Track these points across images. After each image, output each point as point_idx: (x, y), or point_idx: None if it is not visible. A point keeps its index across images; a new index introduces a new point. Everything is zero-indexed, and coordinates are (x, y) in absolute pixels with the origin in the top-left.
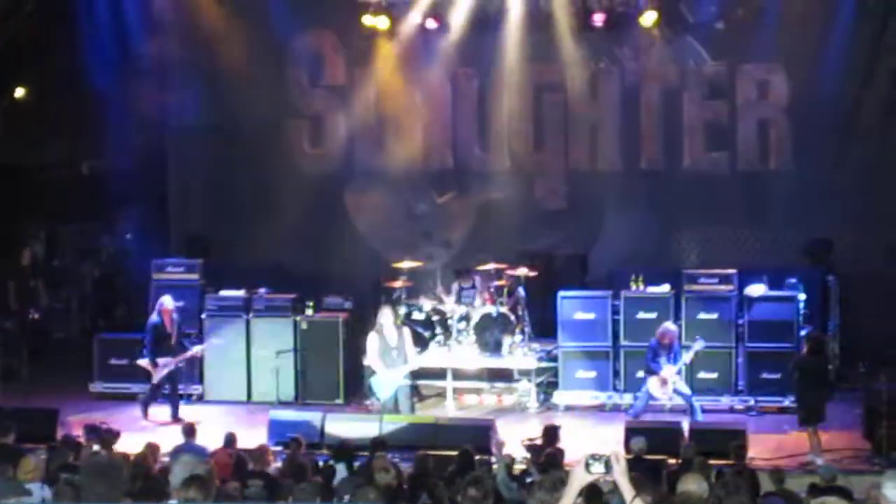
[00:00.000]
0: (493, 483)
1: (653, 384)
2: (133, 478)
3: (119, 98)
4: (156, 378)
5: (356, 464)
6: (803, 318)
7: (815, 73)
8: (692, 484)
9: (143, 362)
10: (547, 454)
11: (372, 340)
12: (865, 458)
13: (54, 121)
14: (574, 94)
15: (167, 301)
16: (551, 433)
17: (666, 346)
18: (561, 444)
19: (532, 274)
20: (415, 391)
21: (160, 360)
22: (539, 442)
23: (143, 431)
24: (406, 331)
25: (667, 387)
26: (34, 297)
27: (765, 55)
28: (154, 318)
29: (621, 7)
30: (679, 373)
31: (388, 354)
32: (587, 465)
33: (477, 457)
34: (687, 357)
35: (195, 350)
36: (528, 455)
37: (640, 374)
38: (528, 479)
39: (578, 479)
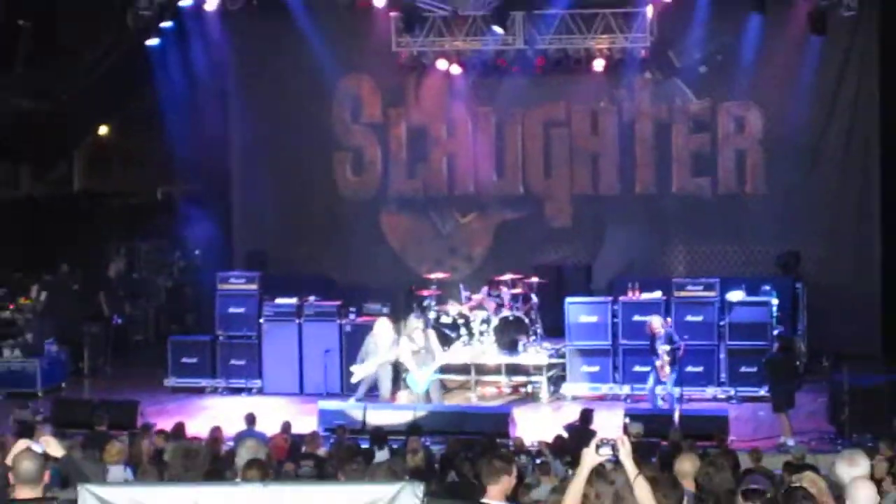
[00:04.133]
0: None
1: (658, 367)
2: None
3: (189, 133)
4: None
5: (394, 447)
6: (776, 320)
7: (785, 109)
8: (687, 463)
9: None
10: (557, 436)
11: (404, 344)
12: (829, 439)
13: (133, 153)
14: (578, 128)
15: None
16: (587, 415)
17: (655, 335)
18: (594, 427)
19: (543, 283)
20: (442, 384)
21: None
22: (577, 423)
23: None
24: (431, 332)
25: (664, 369)
26: (120, 305)
27: (742, 94)
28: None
29: (619, 54)
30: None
31: (418, 355)
32: (597, 448)
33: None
34: None
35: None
36: (542, 440)
37: (646, 368)
38: (539, 461)
39: (589, 460)
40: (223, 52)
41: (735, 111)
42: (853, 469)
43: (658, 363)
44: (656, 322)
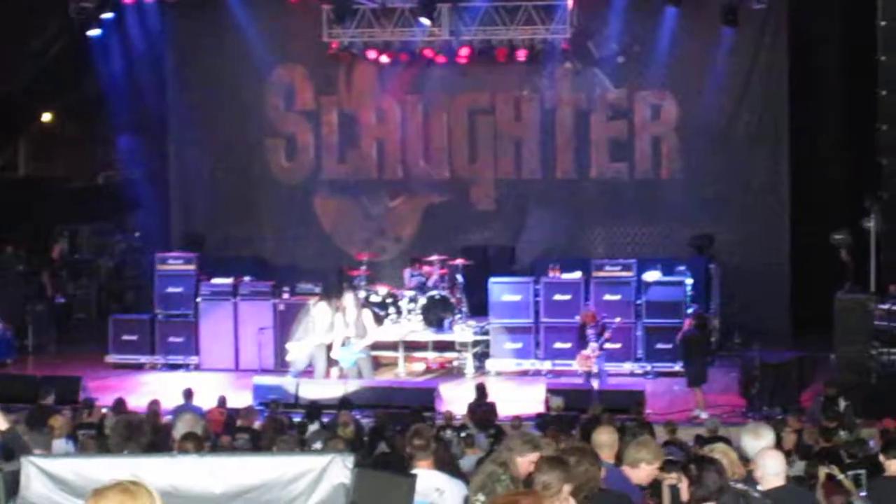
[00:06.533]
0: (433, 432)
1: (579, 357)
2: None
3: (128, 120)
4: None
5: (325, 420)
6: (690, 298)
7: (699, 98)
8: (605, 434)
9: None
10: (482, 410)
11: (337, 319)
12: (741, 412)
13: (75, 140)
14: (502, 116)
15: None
16: (481, 390)
17: (588, 324)
18: (490, 399)
19: (468, 263)
20: (373, 360)
21: None
22: (474, 400)
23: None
24: (367, 311)
25: (590, 360)
26: (63, 285)
27: (657, 84)
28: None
29: (541, 45)
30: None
31: (348, 330)
32: None
33: (424, 413)
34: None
35: None
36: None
37: (567, 344)
38: (464, 434)
39: None
40: (161, 42)
41: (651, 99)
42: (758, 441)
43: (586, 353)
44: (591, 313)
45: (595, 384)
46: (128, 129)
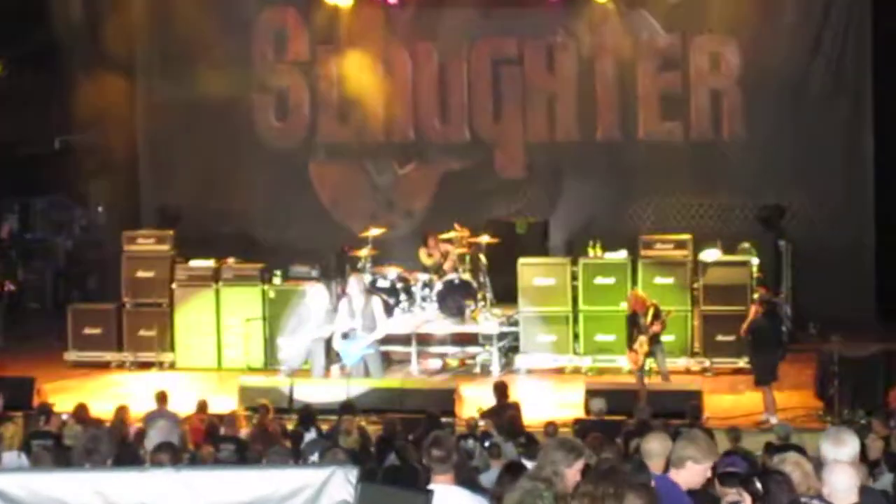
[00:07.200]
0: (455, 442)
1: (629, 352)
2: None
3: (89, 74)
4: None
5: (324, 427)
6: (756, 281)
7: (766, 44)
8: (655, 442)
9: None
10: (507, 416)
11: (341, 307)
12: (817, 416)
13: (28, 96)
14: (531, 66)
15: None
16: (500, 390)
17: (638, 312)
18: (513, 399)
19: (493, 241)
20: (382, 357)
21: None
22: (494, 403)
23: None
24: (376, 299)
25: (637, 355)
26: (12, 270)
27: (717, 27)
28: None
29: None
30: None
31: (354, 320)
32: None
33: (442, 419)
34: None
35: None
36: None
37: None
38: (487, 443)
39: None
40: None
41: (709, 46)
42: (840, 449)
43: (637, 348)
44: (640, 298)
45: (646, 382)
46: (89, 85)
